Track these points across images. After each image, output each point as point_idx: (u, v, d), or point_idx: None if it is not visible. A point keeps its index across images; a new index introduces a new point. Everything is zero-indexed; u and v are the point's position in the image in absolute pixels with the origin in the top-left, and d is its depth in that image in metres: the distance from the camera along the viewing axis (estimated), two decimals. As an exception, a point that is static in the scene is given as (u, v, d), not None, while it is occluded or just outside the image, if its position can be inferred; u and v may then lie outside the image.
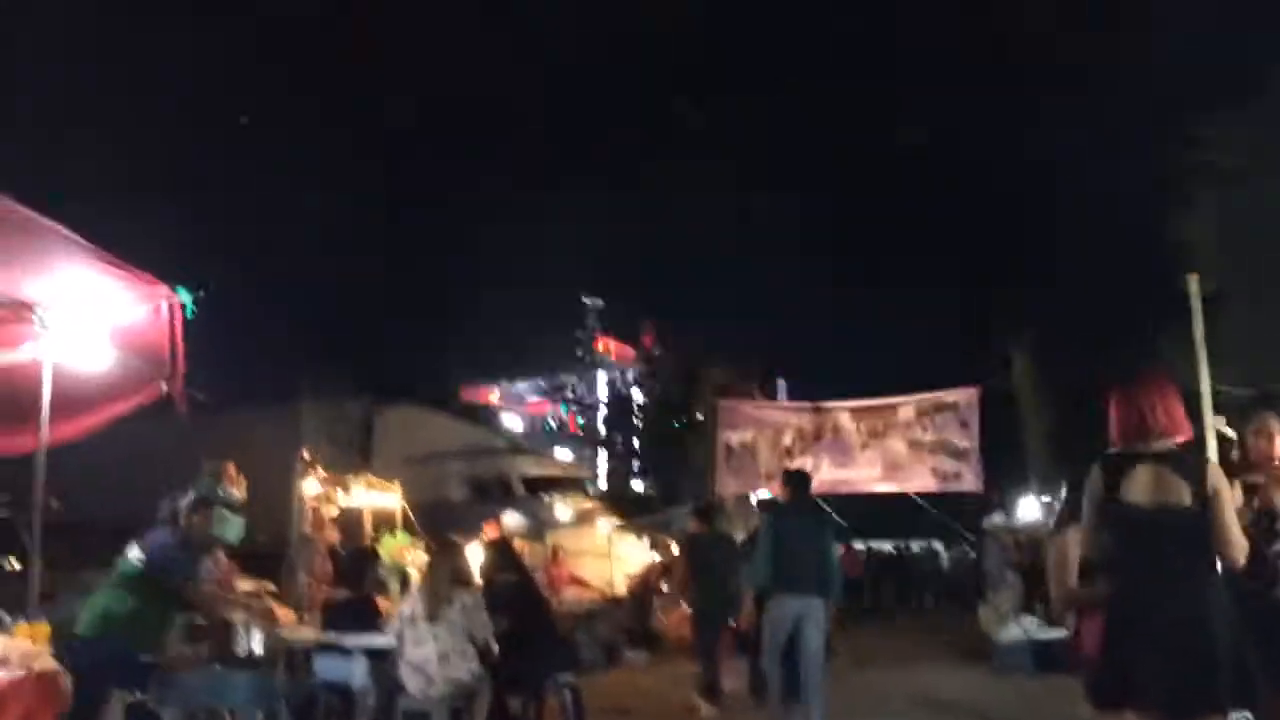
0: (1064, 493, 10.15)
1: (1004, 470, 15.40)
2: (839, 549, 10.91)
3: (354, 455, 16.22)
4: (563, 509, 13.23)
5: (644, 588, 14.09)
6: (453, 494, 15.54)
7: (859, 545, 25.18)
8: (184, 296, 5.24)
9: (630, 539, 15.78)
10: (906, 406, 15.72)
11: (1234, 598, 3.33)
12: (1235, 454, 3.82)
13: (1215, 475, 3.39)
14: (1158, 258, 14.27)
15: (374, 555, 7.74)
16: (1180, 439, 3.45)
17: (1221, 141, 13.23)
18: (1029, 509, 12.45)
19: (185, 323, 5.41)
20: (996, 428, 15.25)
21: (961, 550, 29.78)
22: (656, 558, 14.93)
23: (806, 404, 16.29)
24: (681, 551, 11.39)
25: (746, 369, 18.85)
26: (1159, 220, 14.48)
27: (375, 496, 10.39)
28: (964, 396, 15.28)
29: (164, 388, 6.06)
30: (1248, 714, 3.46)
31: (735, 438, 16.66)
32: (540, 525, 13.07)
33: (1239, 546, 3.33)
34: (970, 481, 14.99)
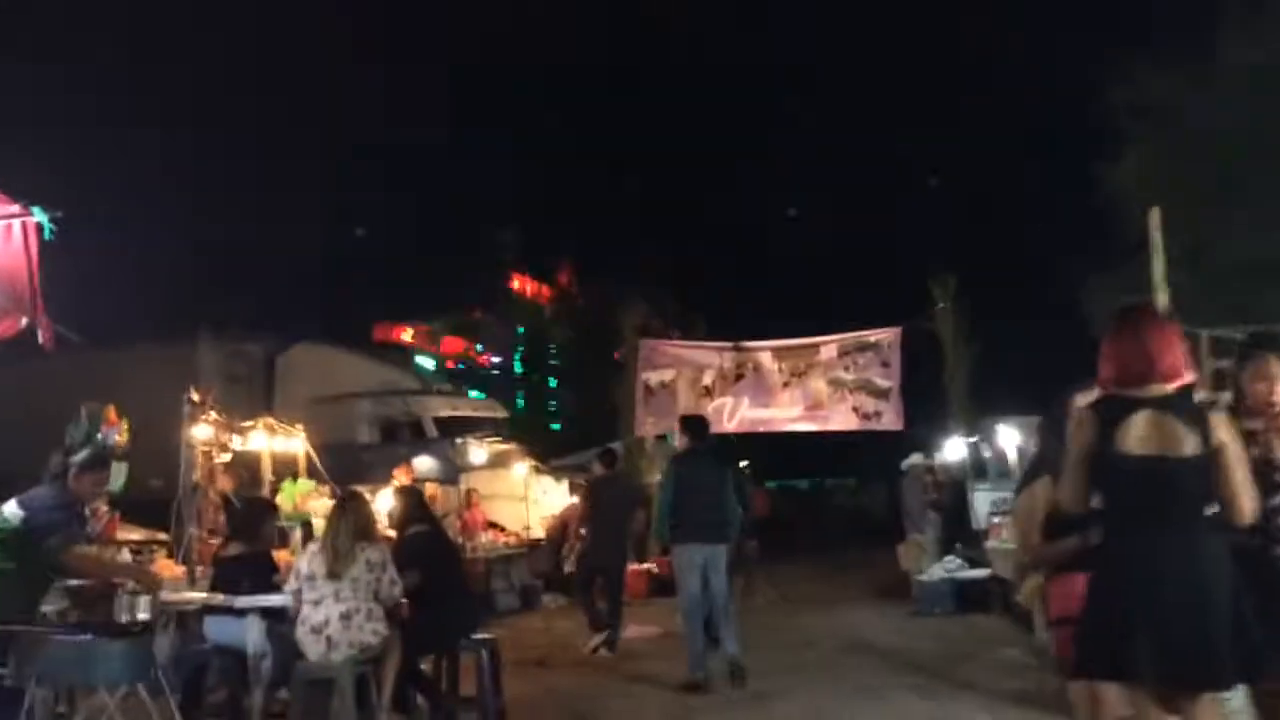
0: (1034, 439, 10.17)
1: (926, 411, 15.23)
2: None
3: (255, 396, 15.45)
4: (477, 451, 12.71)
5: (560, 531, 13.68)
6: (361, 437, 14.89)
7: (771, 485, 25.25)
8: (40, 216, 4.53)
9: (547, 481, 15.35)
10: (829, 345, 15.47)
11: (1230, 557, 3.02)
12: (1227, 398, 3.47)
13: (1223, 424, 3.07)
14: (1097, 193, 14.15)
15: (271, 505, 7.11)
16: (1179, 384, 3.10)
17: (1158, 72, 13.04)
18: (952, 449, 12.29)
19: (43, 246, 4.71)
20: (919, 368, 15.05)
21: (880, 489, 30.18)
22: (574, 500, 14.52)
23: (727, 343, 15.96)
24: (582, 495, 11.26)
25: (664, 306, 18.49)
26: (1098, 155, 14.32)
27: (276, 441, 9.70)
28: (886, 336, 15.08)
29: (23, 321, 5.38)
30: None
31: (655, 377, 16.25)
32: (454, 468, 12.54)
33: (1249, 503, 3.01)
34: (891, 420, 14.85)
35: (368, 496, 9.49)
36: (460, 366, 35.07)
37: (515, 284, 42.66)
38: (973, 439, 11.99)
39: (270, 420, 9.38)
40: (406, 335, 39.63)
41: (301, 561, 5.50)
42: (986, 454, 12.51)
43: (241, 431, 8.64)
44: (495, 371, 35.66)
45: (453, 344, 38.55)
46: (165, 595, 5.81)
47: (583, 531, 10.92)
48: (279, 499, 8.99)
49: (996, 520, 10.92)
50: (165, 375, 12.52)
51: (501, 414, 16.36)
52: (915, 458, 13.14)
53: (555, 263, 38.78)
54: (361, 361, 15.85)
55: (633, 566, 12.70)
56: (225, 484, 9.59)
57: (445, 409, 15.02)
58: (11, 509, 5.00)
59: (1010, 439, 10.54)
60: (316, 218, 30.54)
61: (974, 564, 11.46)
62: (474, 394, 17.09)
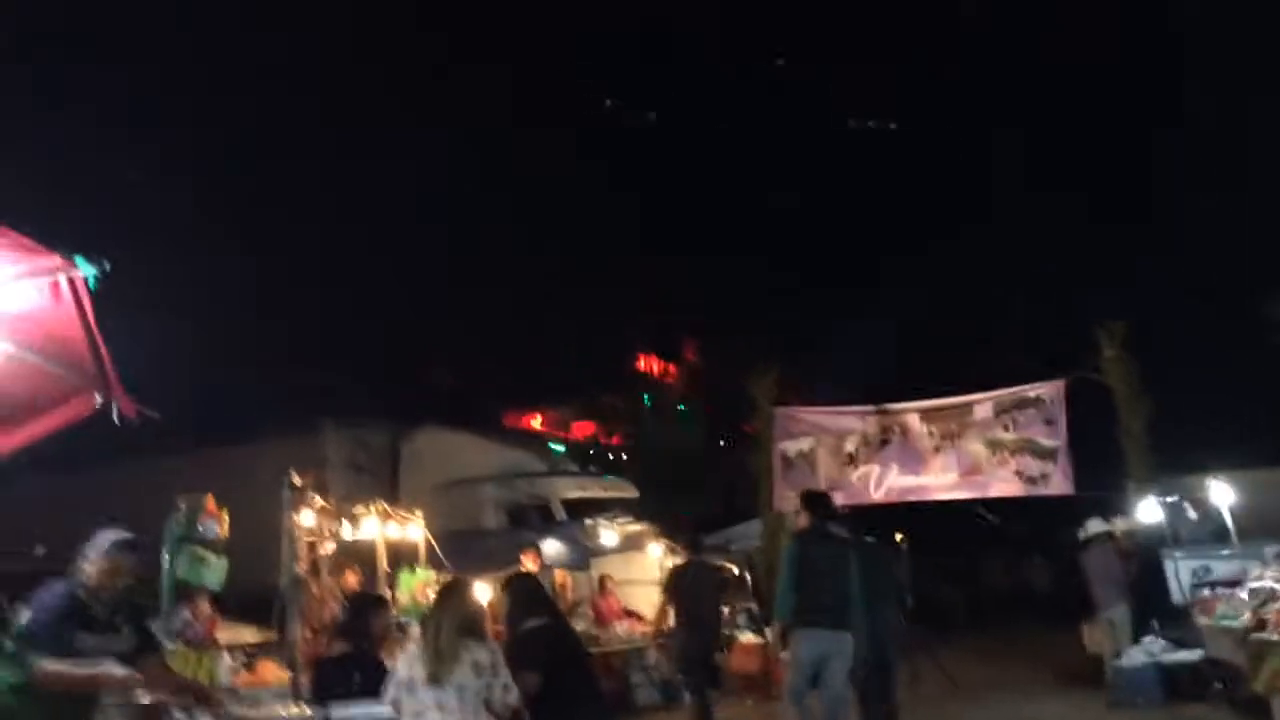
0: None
1: (1096, 472, 13.74)
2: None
3: (380, 484, 15.04)
4: (608, 533, 11.85)
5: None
6: (487, 522, 14.22)
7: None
8: (84, 269, 3.90)
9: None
10: (984, 404, 14.18)
11: None
12: None
13: None
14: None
15: (378, 599, 6.36)
16: None
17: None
18: (1145, 511, 10.80)
19: (93, 302, 4.07)
20: (1085, 425, 13.60)
21: (1039, 561, 27.95)
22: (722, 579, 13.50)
23: (870, 407, 14.83)
24: (663, 586, 10.46)
25: (794, 373, 17.41)
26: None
27: (391, 528, 9.05)
28: (1049, 390, 13.72)
29: (97, 398, 4.80)
30: None
31: (793, 447, 15.21)
32: (583, 552, 11.69)
33: None
34: (1059, 484, 13.40)
35: (489, 585, 8.75)
36: (592, 450, 34.11)
37: (641, 364, 42.07)
38: (1170, 498, 10.52)
39: (384, 505, 8.71)
40: (536, 422, 39.40)
41: (400, 665, 4.68)
42: (1190, 515, 10.98)
43: (352, 518, 8.00)
44: (626, 455, 34.79)
45: (583, 428, 37.99)
46: (243, 710, 5.05)
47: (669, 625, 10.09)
48: (397, 591, 8.27)
49: (1208, 593, 9.43)
50: (291, 468, 12.17)
51: (633, 493, 15.48)
52: (1097, 524, 11.65)
53: (681, 340, 38.09)
54: (486, 445, 15.30)
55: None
56: (349, 580, 8.99)
57: (573, 490, 14.26)
58: (24, 612, 4.30)
59: (1222, 495, 9.10)
60: (447, 306, 30.53)
61: (1179, 645, 9.91)
62: (608, 478, 16.23)
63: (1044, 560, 28.37)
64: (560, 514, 13.60)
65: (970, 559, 28.02)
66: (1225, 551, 10.97)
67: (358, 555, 8.64)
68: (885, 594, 8.62)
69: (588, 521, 12.10)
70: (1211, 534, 11.16)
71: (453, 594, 4.80)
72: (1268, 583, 7.81)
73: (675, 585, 10.01)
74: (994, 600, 25.35)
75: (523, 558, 10.73)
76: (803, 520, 7.83)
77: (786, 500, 15.03)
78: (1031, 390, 13.79)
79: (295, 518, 7.01)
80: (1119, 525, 11.81)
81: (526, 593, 5.32)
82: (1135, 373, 13.20)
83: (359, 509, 8.29)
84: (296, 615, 6.71)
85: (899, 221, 32.03)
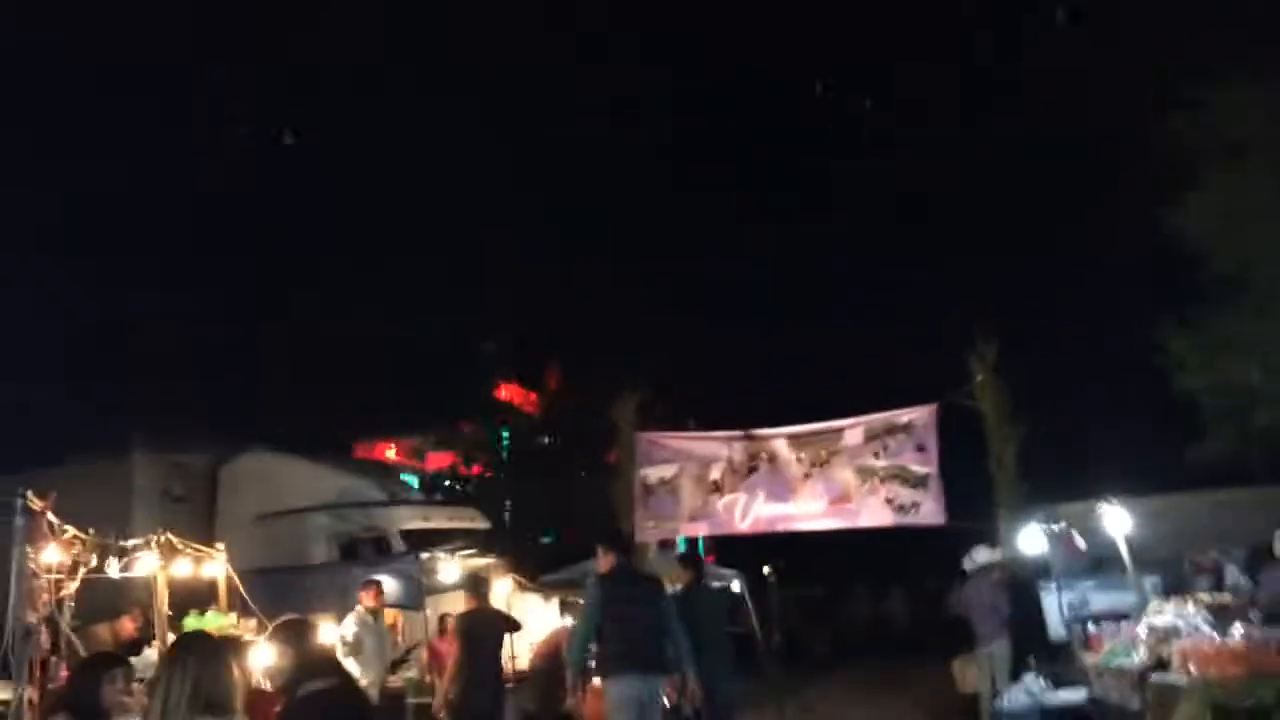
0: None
1: (968, 499, 13.21)
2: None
3: (196, 515, 13.39)
4: (448, 567, 10.59)
5: (552, 660, 11.45)
6: (316, 557, 12.75)
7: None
8: None
9: (534, 601, 13.16)
10: (854, 430, 13.50)
11: None
12: None
13: None
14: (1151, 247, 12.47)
15: (112, 659, 4.95)
16: None
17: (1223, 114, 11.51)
18: (1027, 541, 10.17)
19: None
20: (958, 450, 13.07)
21: (899, 593, 27.70)
22: (569, 622, 12.33)
23: (737, 432, 14.00)
24: (452, 632, 9.61)
25: (664, 404, 16.56)
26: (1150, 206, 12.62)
27: (184, 564, 7.62)
28: (920, 416, 13.11)
29: None
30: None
31: (654, 474, 14.23)
32: (418, 590, 10.38)
33: None
34: (931, 512, 12.77)
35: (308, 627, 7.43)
36: (444, 481, 32.30)
37: (503, 393, 40.40)
38: (1054, 526, 9.94)
39: (170, 538, 7.28)
40: (390, 452, 37.28)
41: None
42: (1079, 544, 10.43)
43: (119, 552, 6.56)
44: (480, 487, 33.15)
45: (439, 459, 36.01)
46: None
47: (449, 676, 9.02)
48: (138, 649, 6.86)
49: (1093, 628, 8.80)
50: (97, 498, 10.56)
51: (482, 524, 14.22)
52: (984, 552, 11.03)
53: (544, 369, 36.85)
54: (318, 470, 13.77)
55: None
56: (125, 627, 7.56)
57: (415, 520, 12.90)
58: None
59: (1116, 523, 8.48)
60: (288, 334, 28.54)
61: (1058, 683, 9.26)
62: (461, 511, 14.87)
63: (904, 591, 28.24)
64: (399, 546, 12.24)
65: (833, 591, 27.60)
66: (1102, 584, 10.50)
67: (135, 597, 7.19)
68: (716, 635, 8.61)
69: (424, 555, 10.81)
70: (1088, 565, 10.67)
71: (191, 651, 3.54)
72: (1168, 618, 7.15)
73: (463, 634, 9.09)
74: (857, 634, 24.88)
75: (361, 596, 9.43)
76: (606, 561, 7.35)
77: (647, 531, 14.07)
78: (903, 415, 13.17)
79: (31, 552, 5.58)
80: (997, 555, 11.21)
81: (304, 645, 4.07)
82: (1006, 398, 12.74)
83: (135, 541, 6.83)
84: (24, 676, 5.28)
85: (771, 247, 31.69)
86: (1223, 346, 12.05)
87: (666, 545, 16.54)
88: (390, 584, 9.91)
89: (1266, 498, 11.17)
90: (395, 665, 10.24)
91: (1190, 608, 7.18)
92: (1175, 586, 10.12)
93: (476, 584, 9.44)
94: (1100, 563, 10.73)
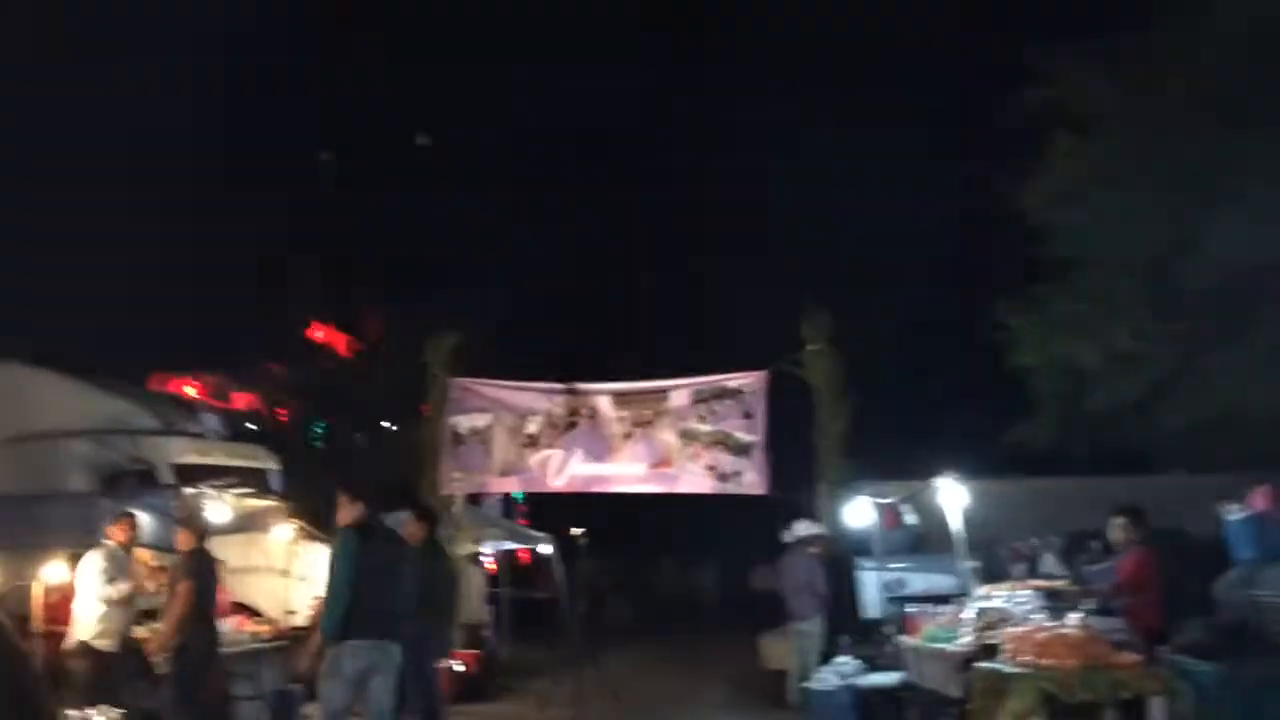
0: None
1: (790, 472, 12.79)
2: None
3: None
4: (218, 507, 9.32)
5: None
6: (72, 485, 11.17)
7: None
8: None
9: (322, 552, 11.95)
10: (680, 391, 12.85)
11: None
12: None
13: None
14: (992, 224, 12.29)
15: None
16: None
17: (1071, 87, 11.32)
18: (856, 515, 9.72)
19: None
20: (783, 422, 12.63)
21: (708, 564, 27.60)
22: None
23: (558, 385, 13.14)
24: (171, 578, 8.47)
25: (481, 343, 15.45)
26: (986, 178, 12.38)
27: None
28: (750, 381, 12.58)
29: None
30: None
31: (466, 423, 13.21)
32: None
33: None
34: (753, 482, 12.28)
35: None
36: (249, 423, 30.00)
37: (319, 334, 38.32)
38: (883, 500, 9.51)
39: None
40: (190, 390, 33.90)
41: None
42: (910, 520, 10.07)
43: None
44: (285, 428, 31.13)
45: (244, 398, 33.38)
46: None
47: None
48: None
49: (914, 609, 8.41)
50: None
51: (271, 464, 12.87)
52: (805, 526, 10.58)
53: (362, 311, 35.02)
54: (83, 390, 12.10)
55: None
56: None
57: (189, 454, 11.45)
58: None
59: (952, 500, 8.04)
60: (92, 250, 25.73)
61: (871, 665, 8.87)
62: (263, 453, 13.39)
63: (715, 563, 28.17)
64: (166, 477, 10.82)
65: (644, 560, 27.23)
66: (921, 565, 10.23)
67: None
68: (444, 601, 8.43)
69: (188, 490, 9.49)
70: (909, 543, 10.38)
71: None
72: (997, 603, 6.73)
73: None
74: (664, 606, 24.58)
75: (110, 531, 8.09)
76: (352, 511, 6.60)
77: (454, 483, 13.08)
78: (732, 380, 12.62)
79: None
80: (817, 530, 10.78)
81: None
82: (839, 369, 12.33)
83: None
84: None
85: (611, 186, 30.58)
86: (1058, 326, 11.96)
87: (477, 501, 15.52)
88: (144, 521, 8.58)
89: (1087, 486, 11.16)
90: (148, 614, 8.91)
91: (1023, 593, 6.78)
92: (990, 572, 9.91)
93: (192, 520, 8.31)
94: (919, 541, 10.48)
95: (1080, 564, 9.70)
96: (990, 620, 6.53)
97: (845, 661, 8.78)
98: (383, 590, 6.34)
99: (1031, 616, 6.29)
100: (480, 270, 30.03)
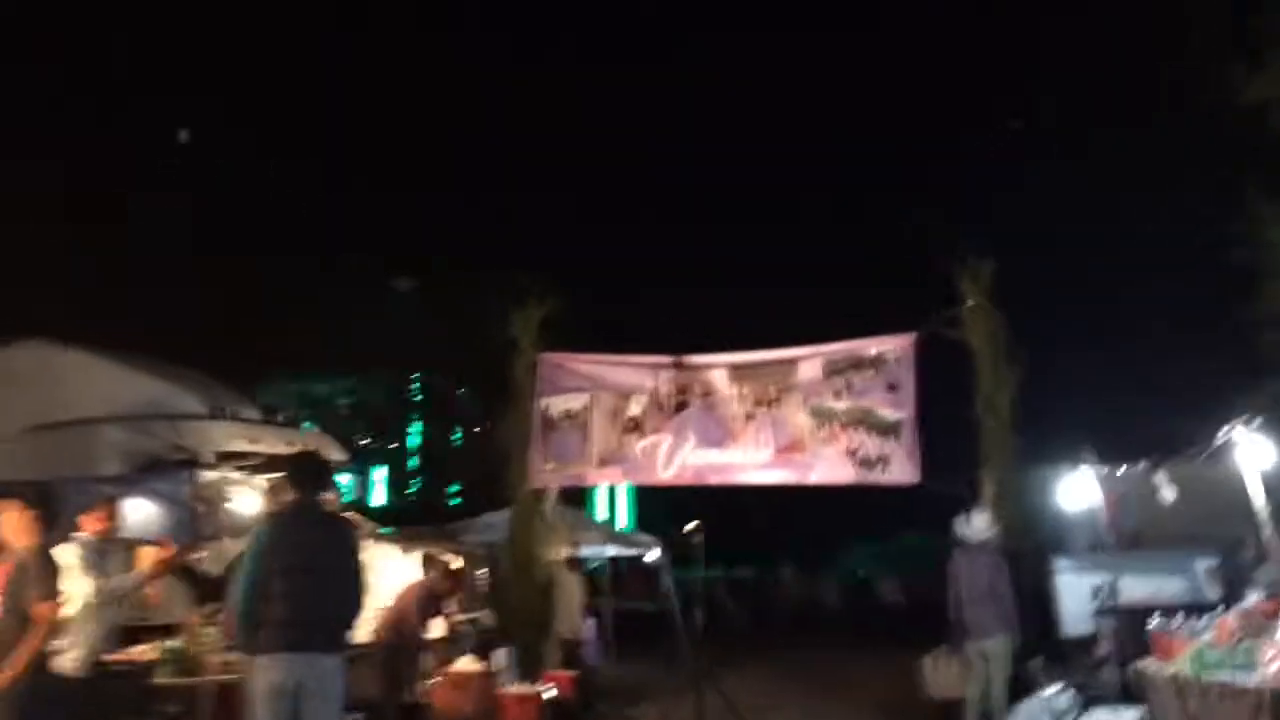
0: None
1: (936, 456, 10.56)
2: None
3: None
4: (246, 495, 7.59)
5: (399, 632, 8.56)
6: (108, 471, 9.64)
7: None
8: None
9: (389, 553, 10.22)
10: (811, 361, 10.69)
11: None
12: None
13: None
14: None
15: None
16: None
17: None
18: (1073, 498, 7.47)
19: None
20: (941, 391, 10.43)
21: (828, 575, 25.32)
22: (424, 578, 9.42)
23: (665, 358, 11.17)
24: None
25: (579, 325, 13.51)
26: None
27: None
28: (894, 347, 10.38)
29: None
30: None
31: (558, 405, 11.31)
32: (192, 518, 7.33)
33: None
34: (902, 469, 10.03)
35: None
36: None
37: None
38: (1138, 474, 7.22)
39: None
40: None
41: None
42: (1169, 496, 7.75)
43: None
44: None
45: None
46: None
47: None
48: None
49: (1157, 623, 6.13)
50: None
51: (336, 455, 11.19)
52: (982, 520, 8.35)
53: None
54: (120, 373, 10.63)
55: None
56: None
57: (238, 440, 9.83)
58: None
59: (1255, 460, 5.72)
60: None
61: (1089, 697, 6.62)
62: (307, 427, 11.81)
63: (831, 571, 25.82)
64: (207, 458, 9.20)
65: (761, 564, 24.89)
66: (1139, 565, 7.89)
67: None
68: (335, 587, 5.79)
69: (207, 475, 7.79)
70: (1126, 540, 8.05)
71: None
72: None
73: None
74: (785, 617, 22.32)
75: (81, 520, 6.33)
76: (281, 496, 5.84)
77: (545, 474, 11.21)
78: (872, 346, 10.49)
79: None
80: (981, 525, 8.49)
81: None
82: (1003, 329, 10.05)
83: None
84: None
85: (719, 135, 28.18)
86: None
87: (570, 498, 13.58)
88: (147, 509, 6.86)
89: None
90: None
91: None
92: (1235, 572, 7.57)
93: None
94: (1136, 538, 8.15)
95: None
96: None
97: (1056, 693, 6.54)
98: (303, 591, 5.07)
99: None
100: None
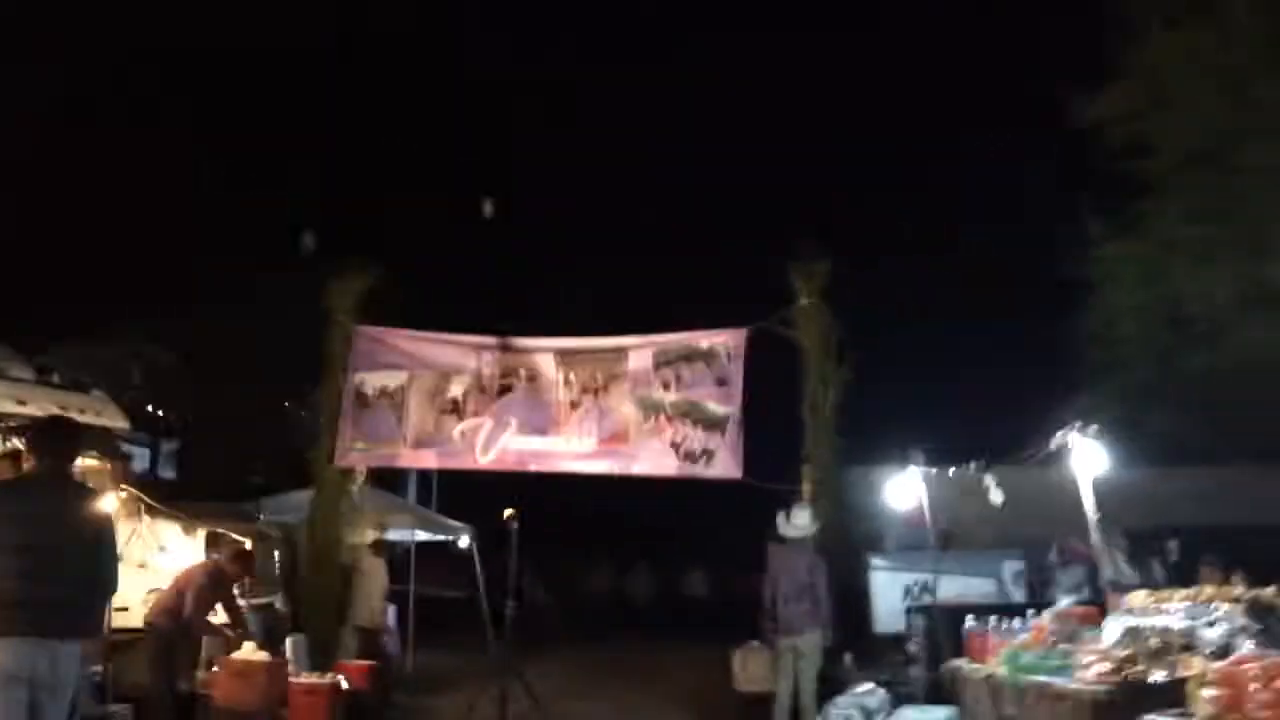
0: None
1: (767, 454, 10.57)
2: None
3: None
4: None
5: (174, 617, 7.80)
6: None
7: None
8: None
9: (168, 531, 9.37)
10: (641, 351, 10.48)
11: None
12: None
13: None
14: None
15: None
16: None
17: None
18: (902, 495, 7.44)
19: None
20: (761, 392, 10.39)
21: (640, 566, 25.26)
22: (205, 560, 8.66)
23: (490, 339, 10.71)
24: None
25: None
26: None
27: None
28: (726, 341, 10.31)
29: None
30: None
31: (374, 381, 10.68)
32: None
33: None
34: (725, 464, 9.98)
35: None
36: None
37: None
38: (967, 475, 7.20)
39: None
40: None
41: None
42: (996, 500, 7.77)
43: None
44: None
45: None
46: None
47: None
48: None
49: (972, 623, 6.13)
50: None
51: (120, 422, 10.18)
52: (804, 515, 8.28)
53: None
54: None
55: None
56: None
57: (5, 403, 8.78)
58: None
59: (1089, 466, 5.69)
60: None
61: (898, 695, 6.61)
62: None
63: (648, 564, 25.81)
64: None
65: (567, 555, 24.52)
66: (945, 564, 7.97)
67: None
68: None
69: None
70: (936, 540, 8.12)
71: None
72: (1151, 619, 4.46)
73: None
74: (596, 610, 22.09)
75: None
76: (31, 459, 5.02)
77: (354, 454, 10.55)
78: (704, 339, 10.38)
79: None
80: (801, 522, 8.46)
81: None
82: (835, 330, 10.07)
83: None
84: None
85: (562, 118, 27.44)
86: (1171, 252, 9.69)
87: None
88: None
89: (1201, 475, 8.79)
90: None
91: (1177, 604, 4.52)
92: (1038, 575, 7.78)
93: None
94: (953, 539, 8.25)
95: (1152, 568, 7.63)
96: (1149, 645, 4.25)
97: (870, 690, 6.50)
98: (43, 567, 4.50)
99: (1239, 644, 4.00)
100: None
